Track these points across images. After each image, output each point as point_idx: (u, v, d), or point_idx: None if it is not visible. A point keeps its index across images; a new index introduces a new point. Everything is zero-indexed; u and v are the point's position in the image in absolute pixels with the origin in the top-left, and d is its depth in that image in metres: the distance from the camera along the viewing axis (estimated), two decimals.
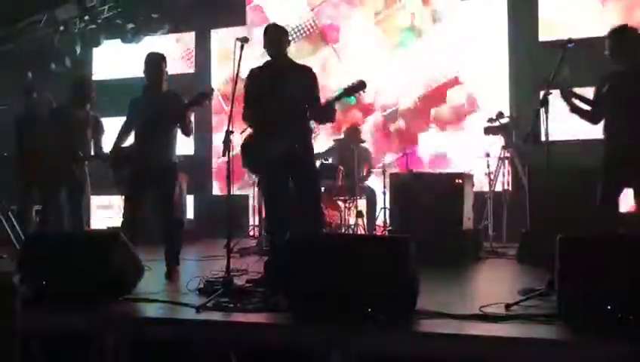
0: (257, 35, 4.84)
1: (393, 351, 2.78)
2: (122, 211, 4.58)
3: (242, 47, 3.94)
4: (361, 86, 4.16)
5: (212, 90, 4.54)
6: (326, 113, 4.30)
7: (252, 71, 4.42)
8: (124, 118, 4.76)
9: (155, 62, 4.68)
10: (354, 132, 7.16)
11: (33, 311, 3.26)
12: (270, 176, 4.33)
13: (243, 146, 4.37)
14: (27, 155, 5.84)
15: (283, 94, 4.22)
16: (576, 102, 4.33)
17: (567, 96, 4.28)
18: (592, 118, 4.36)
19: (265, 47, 4.35)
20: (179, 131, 4.61)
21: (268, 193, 4.44)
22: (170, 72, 4.82)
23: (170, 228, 4.58)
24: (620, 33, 4.22)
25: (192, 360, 3.05)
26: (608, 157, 4.21)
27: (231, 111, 3.90)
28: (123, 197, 4.61)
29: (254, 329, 3.00)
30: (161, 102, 4.56)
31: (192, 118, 4.72)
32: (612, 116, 4.21)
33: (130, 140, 4.75)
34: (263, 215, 7.02)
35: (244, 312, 3.21)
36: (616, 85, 4.20)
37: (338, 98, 4.23)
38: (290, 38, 4.56)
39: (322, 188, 6.60)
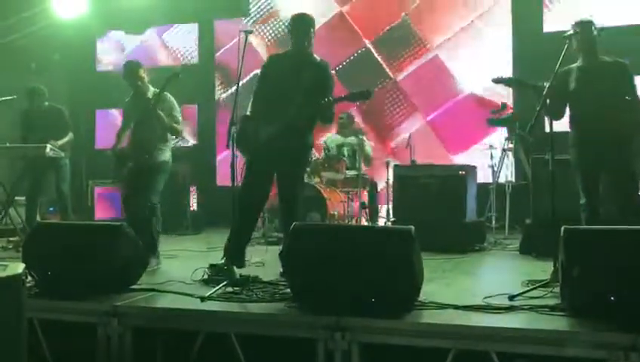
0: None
1: (396, 341, 2.79)
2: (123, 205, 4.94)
3: (246, 38, 3.95)
4: (366, 95, 4.05)
5: (179, 71, 4.70)
6: (324, 113, 4.13)
7: (270, 57, 4.46)
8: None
9: (133, 70, 4.88)
10: (348, 119, 7.11)
11: (38, 301, 3.29)
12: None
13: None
14: None
15: (286, 93, 4.11)
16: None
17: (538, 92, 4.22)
18: (554, 113, 4.29)
19: (290, 35, 4.24)
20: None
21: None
22: (171, 63, 4.96)
23: (144, 220, 4.69)
24: (581, 30, 4.18)
25: (197, 350, 3.07)
26: (579, 150, 4.25)
27: (235, 101, 3.90)
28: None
29: (258, 319, 3.01)
30: (146, 106, 4.77)
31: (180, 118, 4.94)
32: (582, 109, 4.24)
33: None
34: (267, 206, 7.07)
35: (248, 302, 3.23)
36: (583, 80, 4.23)
37: (339, 100, 4.11)
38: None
39: (325, 180, 6.64)
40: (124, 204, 4.96)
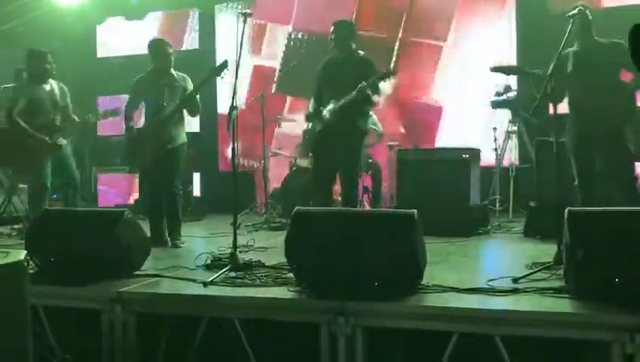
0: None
1: (399, 324, 2.79)
2: (140, 189, 5.13)
3: (245, 21, 3.90)
4: (390, 73, 4.64)
5: (226, 62, 4.62)
6: (361, 100, 4.71)
7: (324, 62, 5.04)
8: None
9: (162, 47, 4.97)
10: None
11: (42, 287, 3.30)
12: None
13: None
14: None
15: (338, 88, 4.78)
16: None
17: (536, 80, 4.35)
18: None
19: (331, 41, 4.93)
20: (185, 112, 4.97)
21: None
22: (174, 49, 5.01)
23: (173, 203, 4.91)
24: (578, 15, 4.13)
25: (200, 335, 3.08)
26: (573, 134, 4.31)
27: (235, 85, 3.86)
28: (139, 176, 5.11)
29: (262, 303, 3.01)
30: (171, 85, 4.90)
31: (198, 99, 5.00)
32: (574, 93, 4.31)
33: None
34: (270, 192, 7.06)
35: (252, 287, 3.23)
36: (576, 63, 4.29)
37: (370, 83, 4.62)
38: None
39: None
40: (151, 191, 5.00)
